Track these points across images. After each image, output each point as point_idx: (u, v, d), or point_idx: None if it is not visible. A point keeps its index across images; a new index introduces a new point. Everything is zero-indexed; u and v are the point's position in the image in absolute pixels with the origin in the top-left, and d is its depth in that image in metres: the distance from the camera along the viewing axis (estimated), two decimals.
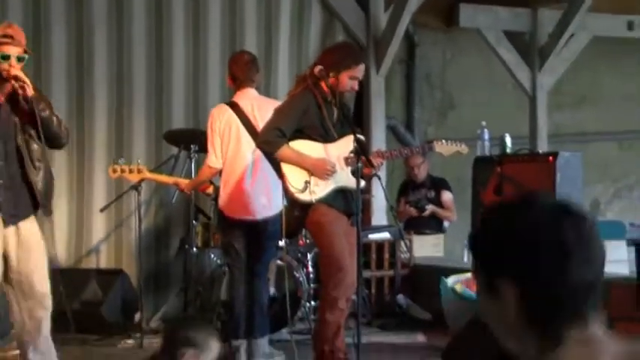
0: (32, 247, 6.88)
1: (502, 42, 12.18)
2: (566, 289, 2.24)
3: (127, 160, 9.91)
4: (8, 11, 9.94)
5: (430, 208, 11.21)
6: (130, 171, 8.74)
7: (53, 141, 6.79)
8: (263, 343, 8.08)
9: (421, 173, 11.26)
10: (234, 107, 8.08)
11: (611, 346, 2.25)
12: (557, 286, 2.23)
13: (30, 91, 6.46)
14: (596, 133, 14.58)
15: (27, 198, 6.75)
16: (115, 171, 8.75)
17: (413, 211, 11.26)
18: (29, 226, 6.81)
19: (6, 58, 6.59)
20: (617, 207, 15.49)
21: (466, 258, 10.98)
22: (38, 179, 6.74)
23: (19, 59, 6.68)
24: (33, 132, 6.65)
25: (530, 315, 2.26)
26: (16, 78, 6.45)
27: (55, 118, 6.72)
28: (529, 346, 2.28)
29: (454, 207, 11.45)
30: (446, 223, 11.55)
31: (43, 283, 6.91)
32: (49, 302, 6.94)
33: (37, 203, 6.79)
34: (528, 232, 2.25)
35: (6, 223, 6.66)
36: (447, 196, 11.33)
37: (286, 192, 7.07)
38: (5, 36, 6.67)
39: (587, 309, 2.26)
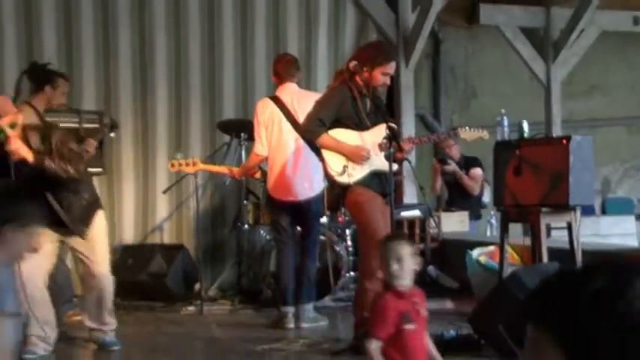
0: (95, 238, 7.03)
1: (518, 37, 12.09)
2: None
3: (185, 148, 10.04)
4: (81, 11, 9.93)
5: (452, 166, 11.13)
6: (187, 164, 8.77)
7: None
8: (309, 309, 8.10)
9: (454, 153, 11.19)
10: (277, 101, 8.16)
11: None
12: None
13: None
14: (605, 119, 14.51)
15: None
16: (173, 165, 8.82)
17: (437, 167, 11.19)
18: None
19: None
20: (626, 185, 15.43)
21: (489, 233, 10.92)
22: None
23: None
24: None
25: None
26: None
27: (62, 167, 6.70)
28: None
29: (481, 182, 11.31)
30: (485, 199, 11.48)
31: (103, 265, 7.09)
32: (108, 281, 7.12)
33: None
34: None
35: None
36: (474, 170, 11.24)
37: (327, 175, 7.07)
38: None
39: None
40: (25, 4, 9.87)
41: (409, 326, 4.68)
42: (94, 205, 7.13)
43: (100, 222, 7.14)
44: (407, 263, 4.70)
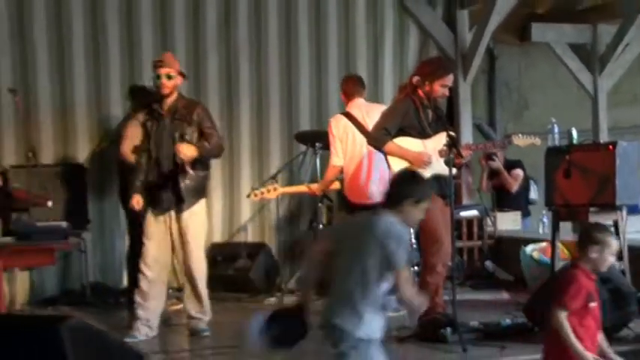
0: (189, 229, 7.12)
1: (567, 53, 11.98)
2: None
3: (265, 156, 10.14)
4: (175, 36, 10.03)
5: (497, 163, 11.09)
6: (268, 191, 8.77)
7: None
8: (392, 299, 8.03)
9: (499, 157, 11.17)
10: (348, 116, 8.21)
11: None
12: None
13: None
14: None
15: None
16: (255, 195, 8.79)
17: (484, 163, 11.11)
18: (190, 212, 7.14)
19: (158, 77, 7.02)
20: None
21: (541, 230, 10.83)
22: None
23: (169, 77, 7.03)
24: None
25: None
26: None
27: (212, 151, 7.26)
28: None
29: (520, 181, 11.22)
30: (533, 195, 11.39)
31: (198, 260, 7.19)
32: (201, 273, 7.22)
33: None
34: None
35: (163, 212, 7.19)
36: (515, 170, 11.18)
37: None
38: (158, 61, 7.09)
39: None
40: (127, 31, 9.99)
41: (593, 304, 4.97)
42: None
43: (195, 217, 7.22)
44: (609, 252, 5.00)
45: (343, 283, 4.13)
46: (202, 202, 7.28)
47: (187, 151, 6.97)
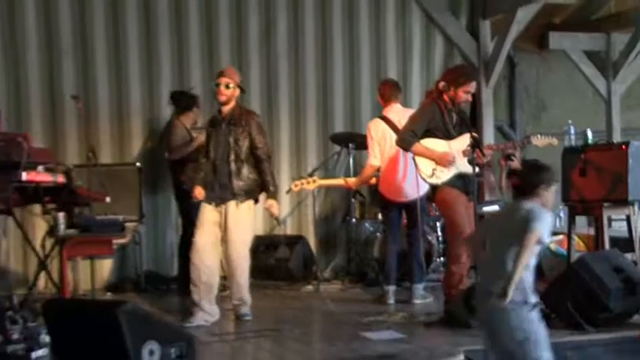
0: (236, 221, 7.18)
1: (582, 59, 11.98)
2: None
3: (303, 156, 10.17)
4: (220, 47, 10.11)
5: (515, 163, 11.06)
6: (307, 182, 8.72)
7: None
8: (420, 288, 8.14)
9: (517, 156, 11.17)
10: (386, 120, 8.22)
11: None
12: None
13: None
14: None
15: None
16: (296, 185, 8.79)
17: (503, 163, 11.09)
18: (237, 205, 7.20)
19: (217, 85, 7.16)
20: None
21: (557, 224, 10.80)
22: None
23: (227, 87, 7.16)
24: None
25: None
26: None
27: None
28: None
29: None
30: None
31: (241, 253, 7.25)
32: (243, 265, 7.27)
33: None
34: None
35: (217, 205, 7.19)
36: None
37: (421, 177, 7.07)
38: (220, 72, 7.29)
39: None
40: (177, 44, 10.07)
41: None
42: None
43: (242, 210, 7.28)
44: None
45: (498, 256, 4.32)
46: (251, 202, 7.31)
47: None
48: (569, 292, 6.37)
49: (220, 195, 7.20)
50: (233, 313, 7.34)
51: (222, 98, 7.24)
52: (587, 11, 12.04)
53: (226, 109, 7.29)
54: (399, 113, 8.13)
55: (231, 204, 7.18)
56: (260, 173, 7.30)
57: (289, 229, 10.41)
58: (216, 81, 7.28)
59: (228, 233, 7.17)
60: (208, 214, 7.21)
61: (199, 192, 7.28)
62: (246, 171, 7.24)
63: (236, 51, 10.27)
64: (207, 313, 7.15)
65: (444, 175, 6.91)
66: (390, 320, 7.11)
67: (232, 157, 7.20)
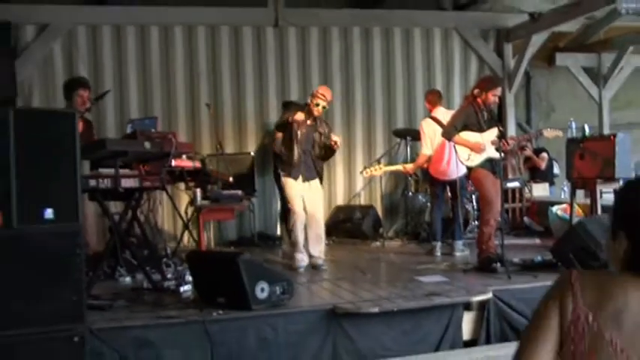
0: (315, 193, 7.19)
1: (580, 73, 11.71)
2: None
3: (373, 147, 10.08)
4: (311, 66, 10.02)
5: (528, 152, 10.89)
6: (375, 170, 8.61)
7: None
8: (459, 243, 8.07)
9: (529, 147, 11.02)
10: (435, 120, 8.13)
11: None
12: None
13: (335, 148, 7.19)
14: (637, 124, 13.80)
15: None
16: (367, 173, 8.69)
17: (519, 152, 10.86)
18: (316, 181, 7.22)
19: (317, 105, 7.08)
20: None
21: (562, 196, 10.63)
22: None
23: (324, 108, 7.16)
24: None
25: (631, 260, 1.88)
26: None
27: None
28: (621, 274, 1.89)
29: (546, 161, 11.15)
30: (556, 171, 11.16)
31: (321, 215, 7.26)
32: (322, 226, 7.26)
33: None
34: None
35: (303, 181, 7.15)
36: (542, 154, 11.13)
37: (459, 161, 7.00)
38: (322, 94, 7.14)
39: None
40: (280, 64, 10.04)
41: None
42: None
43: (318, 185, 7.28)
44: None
45: None
46: (318, 180, 7.28)
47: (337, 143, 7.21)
48: (570, 246, 6.30)
49: (306, 175, 7.14)
50: (311, 265, 7.16)
51: (317, 115, 7.17)
52: (584, 38, 11.84)
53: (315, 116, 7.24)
54: (444, 114, 8.04)
55: (314, 181, 7.18)
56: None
57: (362, 200, 10.33)
58: (317, 100, 7.11)
59: (313, 203, 7.17)
60: (296, 190, 7.14)
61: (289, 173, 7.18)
62: (320, 158, 7.30)
63: (322, 70, 10.23)
64: (302, 259, 7.13)
65: (477, 159, 6.84)
66: (437, 268, 7.06)
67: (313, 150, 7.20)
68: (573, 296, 1.88)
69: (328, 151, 7.29)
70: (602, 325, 1.81)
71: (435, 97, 8.41)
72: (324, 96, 7.13)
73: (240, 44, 9.93)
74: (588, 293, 1.86)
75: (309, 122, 7.17)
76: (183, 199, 8.59)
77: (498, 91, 7.03)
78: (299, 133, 7.10)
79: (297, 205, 7.11)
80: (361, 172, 9.17)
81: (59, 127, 4.11)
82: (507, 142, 6.77)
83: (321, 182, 7.35)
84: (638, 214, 1.90)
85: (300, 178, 7.14)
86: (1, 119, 3.84)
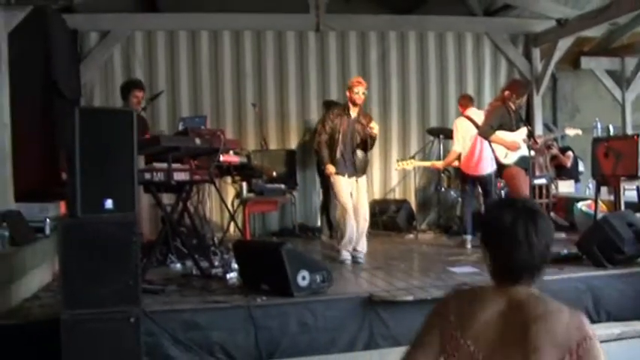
0: (361, 190, 6.99)
1: (604, 76, 11.48)
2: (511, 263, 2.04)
3: (407, 145, 10.01)
4: (350, 69, 9.98)
5: (554, 150, 10.70)
6: (407, 164, 8.62)
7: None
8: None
9: (555, 146, 10.85)
10: (469, 118, 8.04)
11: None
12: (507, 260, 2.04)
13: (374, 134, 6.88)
14: None
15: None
16: (399, 165, 8.68)
17: (545, 150, 10.67)
18: (362, 179, 7.03)
19: (356, 93, 6.82)
20: None
21: (587, 192, 10.46)
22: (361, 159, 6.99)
23: (364, 93, 6.90)
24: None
25: (492, 270, 2.10)
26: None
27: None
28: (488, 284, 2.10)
29: (571, 159, 10.80)
30: (581, 168, 10.94)
31: (365, 209, 7.02)
32: (367, 218, 7.05)
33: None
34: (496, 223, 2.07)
35: (349, 177, 6.94)
36: (567, 152, 10.82)
37: (495, 158, 6.94)
38: (358, 81, 6.92)
39: (527, 278, 2.05)
40: (321, 68, 10.01)
41: None
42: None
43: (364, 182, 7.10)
44: None
45: None
46: (364, 177, 7.07)
47: (374, 129, 6.91)
48: (595, 240, 6.19)
49: (350, 170, 6.95)
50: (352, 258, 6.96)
51: (359, 102, 6.89)
52: (608, 42, 11.62)
53: (356, 109, 6.95)
54: (477, 114, 7.98)
55: (362, 178, 7.02)
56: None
57: (397, 195, 10.27)
58: (356, 89, 6.84)
59: (359, 197, 6.99)
60: (345, 185, 6.94)
61: (332, 168, 6.92)
62: (362, 152, 7.01)
63: (361, 72, 10.12)
64: (349, 252, 6.97)
65: (513, 157, 6.81)
66: (467, 259, 6.98)
67: (357, 143, 6.96)
68: (446, 319, 2.10)
69: (370, 140, 6.98)
70: (467, 338, 2.02)
71: (466, 100, 8.40)
72: (360, 82, 6.89)
73: (283, 48, 9.95)
74: (460, 311, 2.07)
75: (352, 116, 6.92)
76: (230, 192, 8.63)
77: (526, 94, 7.04)
78: (341, 132, 6.89)
79: (347, 202, 6.85)
80: (397, 169, 9.13)
81: (118, 124, 4.16)
82: (536, 141, 6.70)
83: (364, 173, 7.05)
84: (495, 230, 2.04)
85: (347, 175, 6.93)
86: (69, 118, 3.90)
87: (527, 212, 2.05)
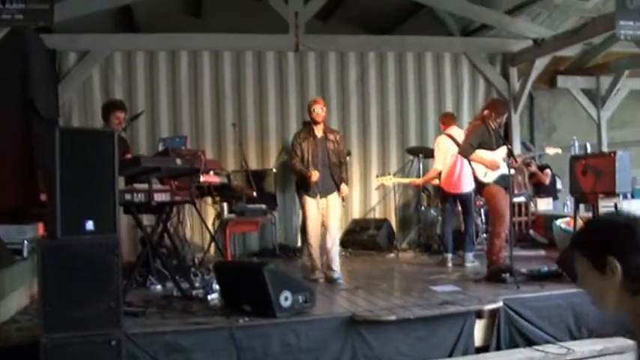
0: (332, 209, 7.01)
1: (580, 94, 11.66)
2: None
3: (387, 164, 9.99)
4: (329, 88, 10.00)
5: (533, 168, 10.77)
6: (386, 179, 8.68)
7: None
8: (470, 255, 7.99)
9: (533, 164, 10.95)
10: (450, 137, 8.10)
11: None
12: None
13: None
14: (632, 142, 13.74)
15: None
16: (379, 181, 8.82)
17: (523, 168, 10.74)
18: (334, 196, 7.05)
19: (314, 111, 7.01)
20: None
21: (566, 210, 10.55)
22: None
23: (320, 109, 7.05)
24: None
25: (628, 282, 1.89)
26: None
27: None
28: (623, 303, 1.91)
29: (549, 176, 10.76)
30: (559, 186, 11.00)
31: (334, 228, 7.05)
32: (337, 238, 7.14)
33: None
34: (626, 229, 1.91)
35: (321, 197, 6.98)
36: (546, 170, 10.82)
37: (475, 177, 6.95)
38: (315, 101, 7.12)
39: None
40: (301, 89, 10.04)
41: None
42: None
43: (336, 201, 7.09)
44: None
45: None
46: (336, 193, 7.07)
47: (346, 191, 7.08)
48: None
49: (322, 191, 6.97)
50: (327, 278, 6.96)
51: (319, 119, 6.99)
52: (583, 62, 11.82)
53: (320, 127, 7.06)
54: (458, 133, 8.03)
55: (333, 195, 7.02)
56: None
57: (377, 214, 10.26)
58: (314, 107, 6.99)
59: (329, 218, 7.01)
60: (314, 206, 6.98)
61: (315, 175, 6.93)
62: (333, 173, 7.05)
63: (340, 92, 10.22)
64: (320, 271, 7.04)
65: (492, 176, 6.80)
66: (449, 278, 7.00)
67: (329, 161, 7.01)
68: None
69: (343, 158, 7.09)
70: None
71: (448, 119, 8.44)
72: (316, 101, 7.08)
73: (263, 68, 9.96)
74: None
75: (319, 136, 7.03)
76: (210, 213, 8.59)
77: (505, 114, 7.13)
78: (310, 153, 6.95)
79: (314, 227, 6.94)
80: (377, 188, 9.14)
81: (100, 145, 4.13)
82: (516, 160, 6.73)
83: (338, 190, 7.03)
84: (630, 235, 1.88)
85: (318, 195, 6.97)
86: (49, 138, 3.87)
87: (636, 217, 1.96)
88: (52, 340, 3.85)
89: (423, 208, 9.62)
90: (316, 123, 7.03)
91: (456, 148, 7.71)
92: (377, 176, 8.91)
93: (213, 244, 7.93)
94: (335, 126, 10.07)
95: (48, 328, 3.86)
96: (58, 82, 9.09)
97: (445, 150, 8.06)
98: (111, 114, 7.03)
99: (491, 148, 6.85)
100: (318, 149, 6.99)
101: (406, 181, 9.06)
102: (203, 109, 9.75)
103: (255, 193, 8.13)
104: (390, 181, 8.68)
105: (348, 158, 7.92)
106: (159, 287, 6.45)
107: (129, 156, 6.58)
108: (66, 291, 3.88)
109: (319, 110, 7.00)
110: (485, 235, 8.91)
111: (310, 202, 6.97)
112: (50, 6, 5.89)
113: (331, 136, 7.07)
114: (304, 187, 7.02)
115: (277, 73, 10.00)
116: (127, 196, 5.50)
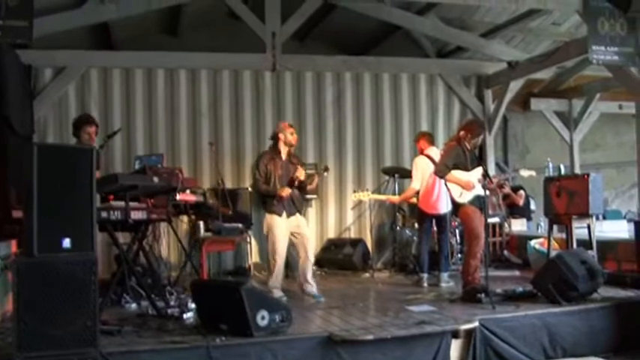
0: (304, 226, 7.11)
1: (553, 117, 11.93)
2: None
3: (362, 183, 10.01)
4: (306, 110, 10.01)
5: (507, 190, 10.84)
6: (363, 195, 8.69)
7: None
8: (445, 275, 8.04)
9: (507, 186, 11.05)
10: (429, 157, 8.13)
11: None
12: None
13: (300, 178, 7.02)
14: (604, 164, 14.00)
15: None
16: (355, 196, 8.78)
17: (498, 190, 10.80)
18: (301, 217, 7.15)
19: (292, 134, 7.13)
20: (617, 202, 14.80)
21: (539, 230, 10.65)
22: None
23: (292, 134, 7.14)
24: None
25: None
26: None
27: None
28: None
29: (523, 198, 10.71)
30: (533, 207, 11.11)
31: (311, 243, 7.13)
32: (312, 257, 7.14)
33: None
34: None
35: (289, 216, 7.01)
36: (519, 192, 10.82)
37: (451, 197, 6.99)
38: (291, 125, 7.20)
39: None
40: (277, 111, 10.07)
41: None
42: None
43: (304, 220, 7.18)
44: None
45: None
46: (299, 215, 7.13)
47: (301, 174, 7.05)
48: (549, 278, 6.29)
49: (290, 210, 7.03)
50: (306, 294, 7.01)
51: (295, 142, 7.17)
52: (556, 84, 12.03)
53: (288, 150, 7.17)
54: (436, 153, 8.08)
55: (297, 215, 7.08)
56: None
57: (353, 234, 10.28)
58: (290, 130, 7.12)
59: (301, 235, 7.05)
60: (282, 223, 7.01)
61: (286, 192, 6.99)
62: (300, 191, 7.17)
63: (316, 111, 10.26)
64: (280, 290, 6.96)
65: (468, 196, 6.83)
66: (424, 298, 7.01)
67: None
68: None
69: (304, 183, 7.17)
70: None
71: (427, 138, 8.46)
72: (291, 126, 7.21)
73: (239, 87, 9.98)
74: None
75: (284, 158, 7.11)
76: (186, 231, 8.54)
77: (481, 135, 7.18)
78: (276, 175, 7.02)
79: (279, 240, 6.92)
80: (352, 208, 9.15)
81: (77, 162, 4.10)
82: (492, 180, 6.79)
83: (300, 212, 7.14)
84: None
85: (285, 214, 7.00)
86: (24, 154, 3.84)
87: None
88: (26, 358, 3.79)
89: (398, 228, 9.66)
90: (291, 146, 7.16)
91: (433, 168, 7.78)
92: (354, 191, 8.92)
93: (189, 262, 7.88)
94: (311, 145, 10.15)
95: (22, 346, 3.81)
96: (33, 97, 9.04)
97: (423, 170, 8.11)
98: (81, 130, 6.95)
99: (467, 169, 6.90)
100: (284, 171, 7.09)
101: (383, 197, 9.09)
102: (179, 127, 9.73)
103: (230, 212, 8.10)
104: (367, 197, 8.70)
105: (325, 174, 7.95)
106: (134, 305, 6.39)
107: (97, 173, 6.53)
108: (41, 309, 3.83)
109: (295, 135, 7.16)
110: (460, 255, 8.96)
111: (278, 221, 6.97)
112: (29, 23, 5.88)
113: (294, 160, 7.23)
114: (271, 207, 7.01)
115: (254, 92, 10.03)
116: (104, 214, 5.46)
